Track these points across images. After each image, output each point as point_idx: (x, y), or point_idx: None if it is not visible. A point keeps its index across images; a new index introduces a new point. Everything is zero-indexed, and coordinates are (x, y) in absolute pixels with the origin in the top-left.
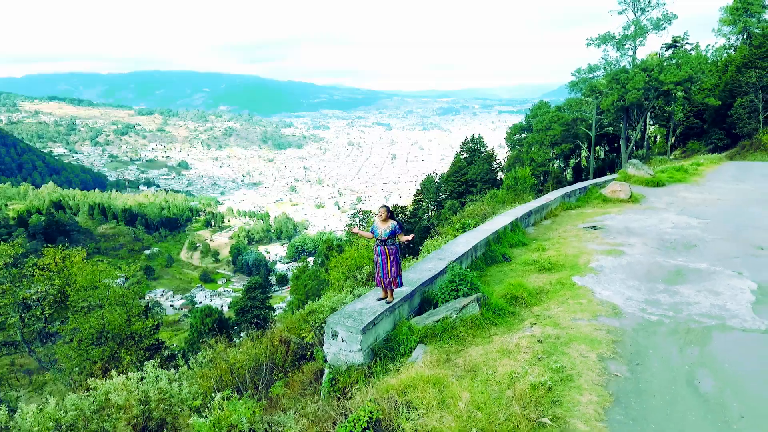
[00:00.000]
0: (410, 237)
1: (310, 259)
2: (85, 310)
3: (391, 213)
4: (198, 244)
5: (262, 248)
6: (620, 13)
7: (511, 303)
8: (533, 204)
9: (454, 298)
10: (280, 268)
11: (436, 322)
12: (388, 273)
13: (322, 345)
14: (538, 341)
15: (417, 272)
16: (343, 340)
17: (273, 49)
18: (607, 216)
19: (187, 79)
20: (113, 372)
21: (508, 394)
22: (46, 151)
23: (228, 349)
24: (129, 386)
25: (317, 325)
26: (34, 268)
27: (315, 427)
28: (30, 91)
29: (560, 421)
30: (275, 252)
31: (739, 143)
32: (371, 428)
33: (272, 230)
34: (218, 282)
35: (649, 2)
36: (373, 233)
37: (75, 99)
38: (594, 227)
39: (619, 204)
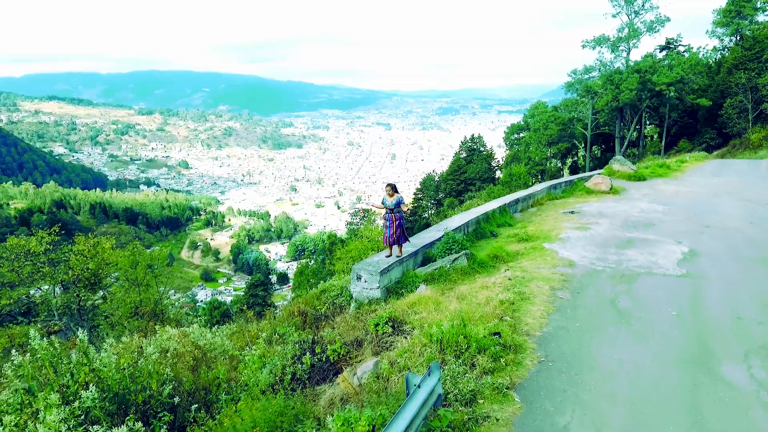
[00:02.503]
0: (408, 207)
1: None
2: (123, 288)
3: (395, 189)
4: (199, 244)
5: (262, 247)
6: (614, 16)
7: (493, 260)
8: (521, 193)
9: (448, 255)
10: (281, 267)
11: (435, 270)
12: (394, 233)
13: (336, 316)
14: (509, 279)
15: (420, 239)
16: (365, 281)
17: (272, 49)
18: (585, 204)
19: (186, 79)
20: (168, 327)
21: (483, 305)
22: (46, 150)
23: (251, 322)
24: (182, 337)
25: (330, 300)
26: (70, 253)
27: (352, 322)
28: (29, 91)
29: (516, 319)
30: (276, 251)
31: (729, 142)
32: (390, 321)
33: (272, 229)
34: (219, 281)
35: (642, 5)
36: (383, 204)
37: (75, 99)
38: (572, 212)
39: (600, 195)
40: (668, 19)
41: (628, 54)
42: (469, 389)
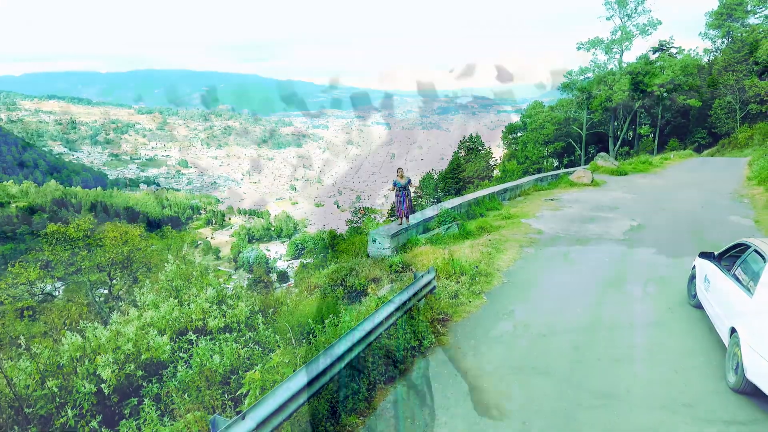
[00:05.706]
0: (415, 186)
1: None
2: (157, 269)
3: (403, 172)
4: (199, 242)
5: (262, 246)
6: (608, 18)
7: (479, 230)
8: (509, 184)
9: (444, 225)
10: (281, 265)
11: (432, 235)
12: (403, 206)
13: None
14: (489, 240)
15: (422, 214)
16: (379, 243)
17: (272, 48)
18: (566, 193)
19: (186, 78)
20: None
21: (468, 255)
22: (46, 149)
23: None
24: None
25: (340, 279)
26: (106, 238)
27: (371, 266)
28: (29, 90)
29: (491, 262)
30: (276, 250)
31: (719, 142)
32: (401, 265)
33: (273, 228)
34: (219, 279)
35: (635, 9)
36: (395, 185)
37: (74, 98)
38: (552, 199)
39: (582, 186)
40: (660, 22)
41: (621, 56)
42: (453, 290)
